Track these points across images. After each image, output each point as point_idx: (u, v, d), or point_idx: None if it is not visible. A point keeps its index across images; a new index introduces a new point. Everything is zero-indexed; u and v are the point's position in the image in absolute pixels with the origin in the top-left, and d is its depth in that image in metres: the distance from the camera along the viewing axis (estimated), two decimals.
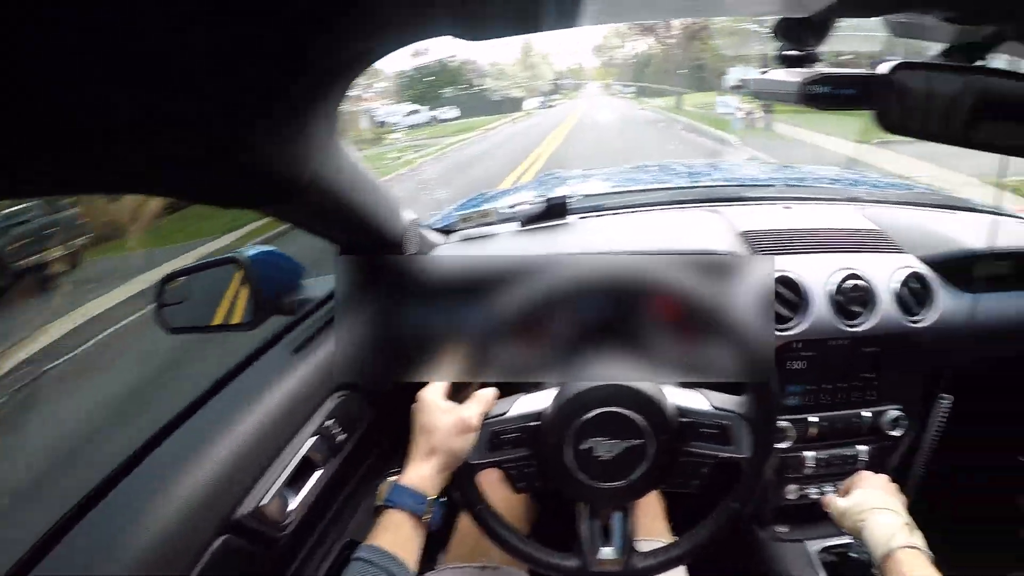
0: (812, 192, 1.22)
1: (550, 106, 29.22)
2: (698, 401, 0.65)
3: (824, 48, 0.66)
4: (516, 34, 0.48)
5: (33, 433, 2.86)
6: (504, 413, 0.65)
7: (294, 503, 0.65)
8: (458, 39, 0.46)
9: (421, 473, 0.60)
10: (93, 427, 2.70)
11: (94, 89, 0.31)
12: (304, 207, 0.62)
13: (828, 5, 0.53)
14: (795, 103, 0.62)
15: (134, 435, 0.64)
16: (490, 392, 0.66)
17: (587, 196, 1.14)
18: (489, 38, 0.46)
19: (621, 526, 0.68)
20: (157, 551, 0.50)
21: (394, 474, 0.99)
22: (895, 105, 0.65)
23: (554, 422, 0.63)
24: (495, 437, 0.64)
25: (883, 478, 0.75)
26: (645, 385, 0.63)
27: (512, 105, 28.41)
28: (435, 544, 0.78)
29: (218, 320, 0.85)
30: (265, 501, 0.60)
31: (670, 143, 10.62)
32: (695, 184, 1.23)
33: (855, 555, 0.84)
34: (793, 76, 0.60)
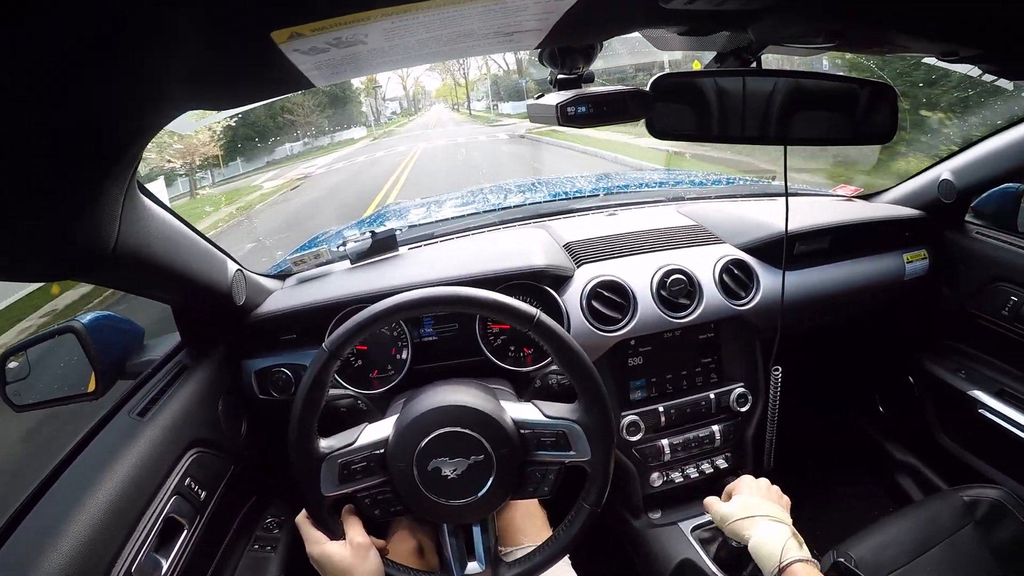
0: (635, 196, 1.32)
1: None
2: (532, 413, 0.67)
3: (608, 65, 0.70)
4: (261, 101, 0.48)
5: None
6: (351, 444, 0.64)
7: (166, 564, 0.64)
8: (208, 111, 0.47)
9: None
10: None
11: None
12: (116, 273, 0.60)
13: (584, 30, 0.55)
14: (558, 124, 0.63)
15: None
16: (349, 509, 0.67)
17: (414, 226, 1.15)
18: (236, 107, 0.47)
19: (482, 540, 0.68)
20: None
21: (274, 523, 0.95)
22: (665, 113, 0.70)
23: (398, 448, 0.63)
24: (345, 468, 0.63)
25: (764, 482, 0.75)
26: (480, 403, 0.64)
27: None
28: None
29: (66, 391, 0.81)
30: (134, 568, 0.60)
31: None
32: (523, 202, 1.28)
33: None
34: (553, 99, 0.62)
